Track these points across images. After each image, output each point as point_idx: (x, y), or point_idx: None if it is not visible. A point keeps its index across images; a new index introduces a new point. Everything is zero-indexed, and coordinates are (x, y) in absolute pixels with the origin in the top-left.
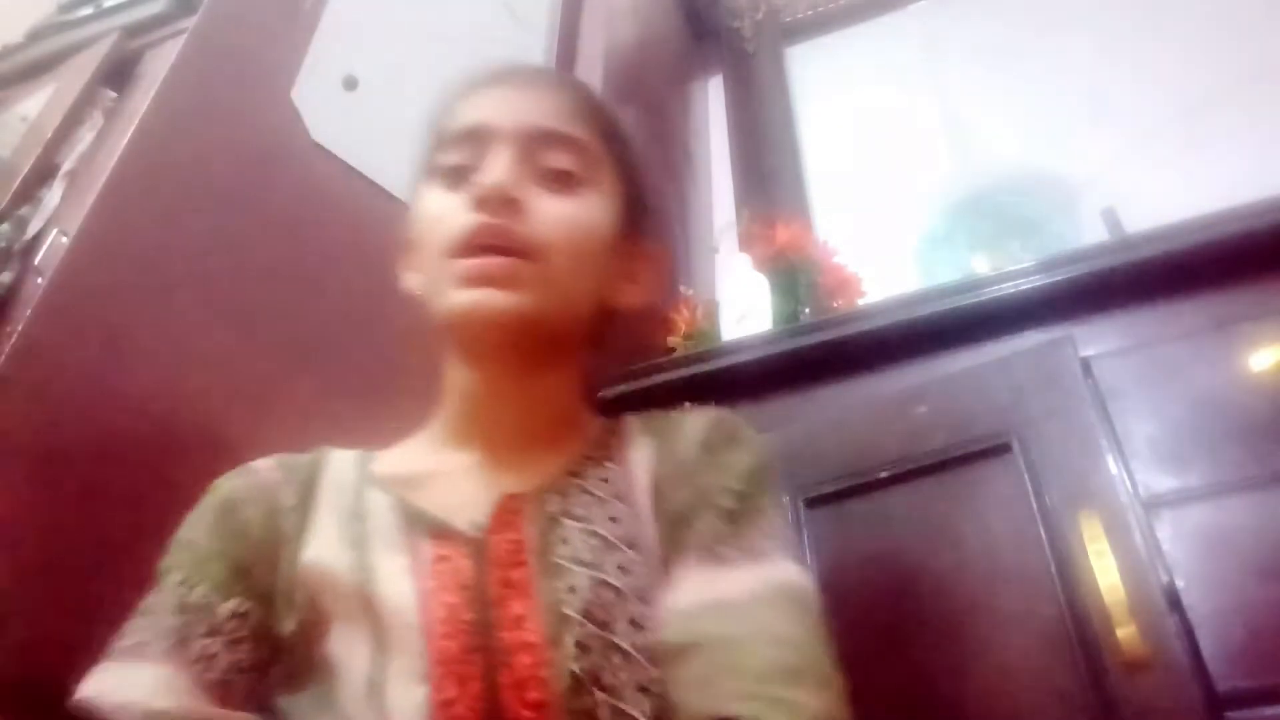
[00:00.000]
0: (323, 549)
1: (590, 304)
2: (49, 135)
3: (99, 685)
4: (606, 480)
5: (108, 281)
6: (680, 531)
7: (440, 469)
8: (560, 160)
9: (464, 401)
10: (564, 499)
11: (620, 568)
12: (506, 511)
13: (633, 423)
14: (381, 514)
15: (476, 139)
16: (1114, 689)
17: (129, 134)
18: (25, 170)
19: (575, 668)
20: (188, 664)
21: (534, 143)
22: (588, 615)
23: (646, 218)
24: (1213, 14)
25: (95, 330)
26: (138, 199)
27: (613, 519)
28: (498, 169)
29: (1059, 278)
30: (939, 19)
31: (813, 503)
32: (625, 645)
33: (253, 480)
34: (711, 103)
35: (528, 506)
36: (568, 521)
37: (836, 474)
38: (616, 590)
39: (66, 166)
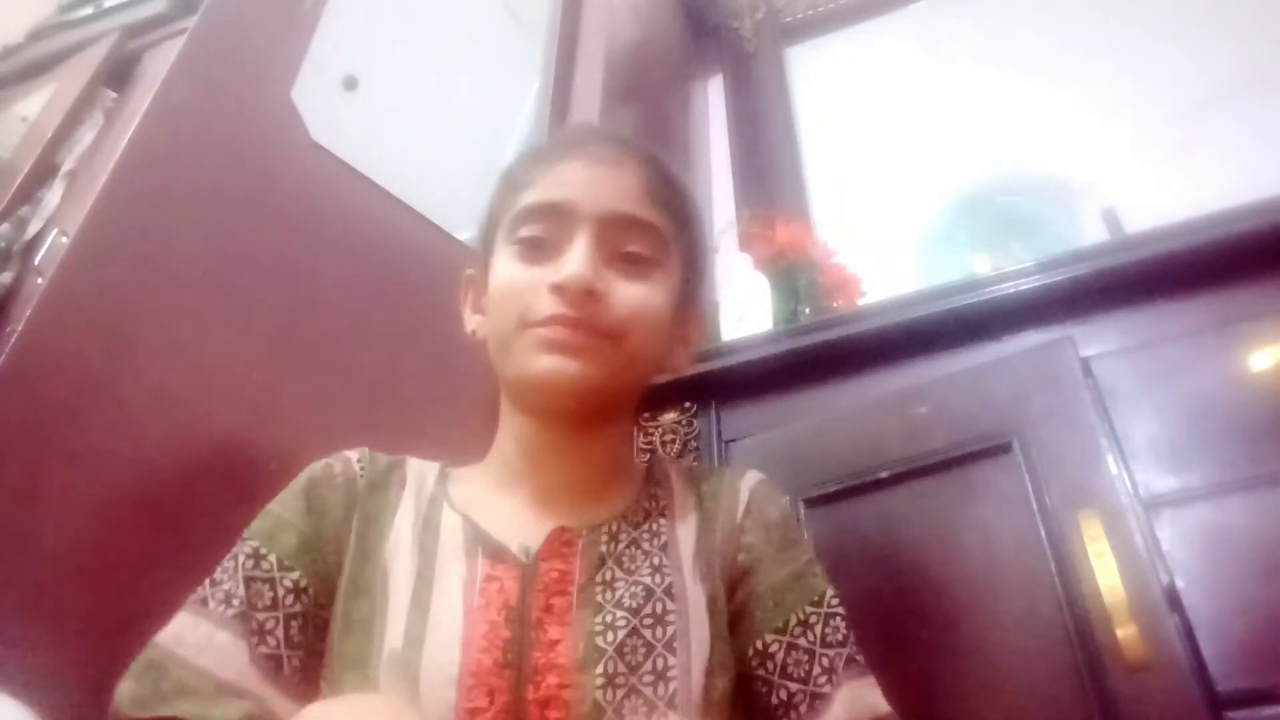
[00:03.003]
0: (400, 544)
1: (653, 371)
2: (49, 135)
3: (179, 636)
4: (656, 535)
5: (108, 281)
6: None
7: (501, 500)
8: (636, 245)
9: (522, 448)
10: (614, 543)
11: (656, 617)
12: (558, 542)
13: (673, 476)
14: (451, 530)
15: (558, 216)
16: (1114, 689)
17: (129, 134)
18: (25, 170)
19: (599, 695)
20: (247, 635)
21: (613, 227)
22: (619, 652)
23: (702, 284)
24: (1212, 14)
25: (95, 330)
26: (138, 199)
27: (656, 569)
28: (579, 260)
29: (1059, 278)
30: (939, 19)
31: (813, 502)
32: (649, 694)
33: (339, 468)
34: (711, 102)
35: (579, 541)
36: (615, 568)
37: (836, 474)
38: (648, 644)
39: (66, 166)
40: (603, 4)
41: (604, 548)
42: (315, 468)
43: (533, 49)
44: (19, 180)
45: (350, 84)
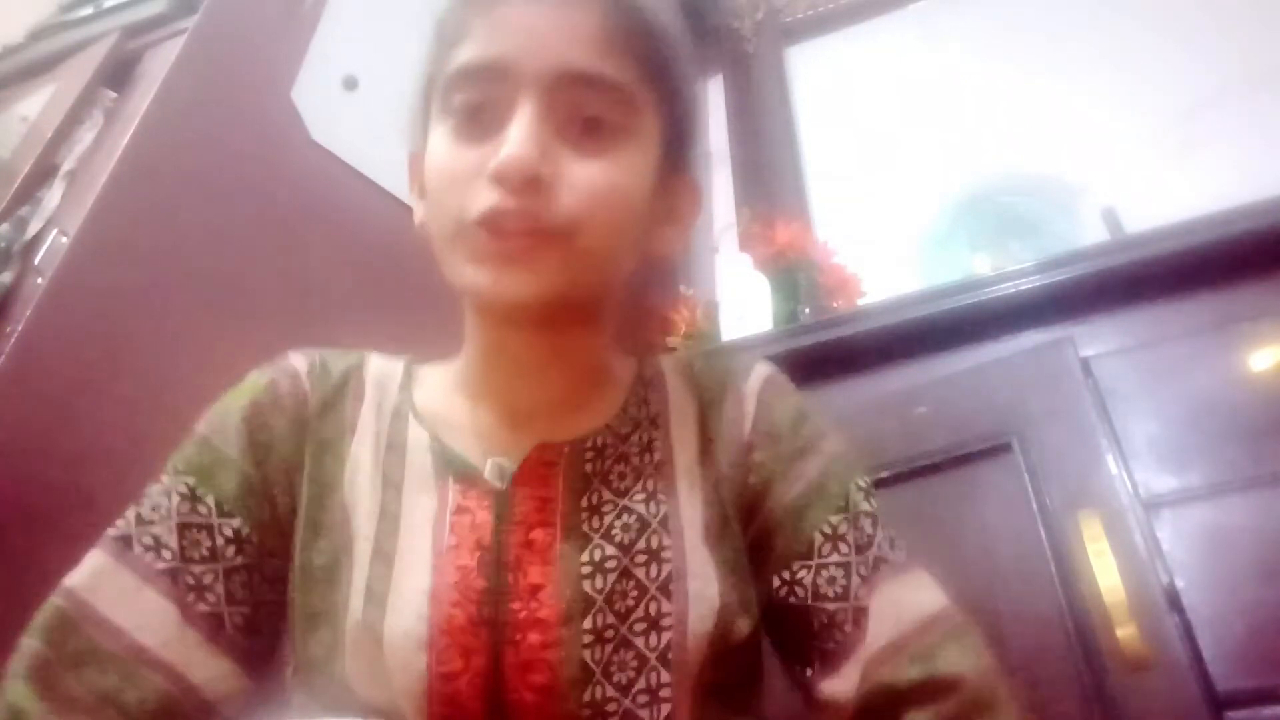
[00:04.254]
0: (358, 474)
1: (628, 264)
2: (49, 135)
3: (93, 584)
4: (648, 449)
5: (108, 281)
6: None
7: (471, 415)
8: (596, 108)
9: (488, 358)
10: (600, 459)
11: (651, 553)
12: (538, 464)
13: (670, 376)
14: (418, 451)
15: (495, 78)
16: (1114, 689)
17: (129, 134)
18: (25, 170)
19: (587, 655)
20: (179, 593)
21: (564, 88)
22: (609, 601)
23: (691, 146)
24: (1212, 14)
25: (95, 330)
26: (138, 199)
27: (651, 495)
28: (518, 139)
29: (1059, 278)
30: (939, 19)
31: None
32: (640, 645)
33: (286, 386)
34: (711, 102)
35: (562, 460)
36: (602, 488)
37: None
38: (640, 585)
39: (66, 166)
40: None
41: (589, 465)
42: (257, 386)
43: None
44: (19, 180)
45: (350, 84)
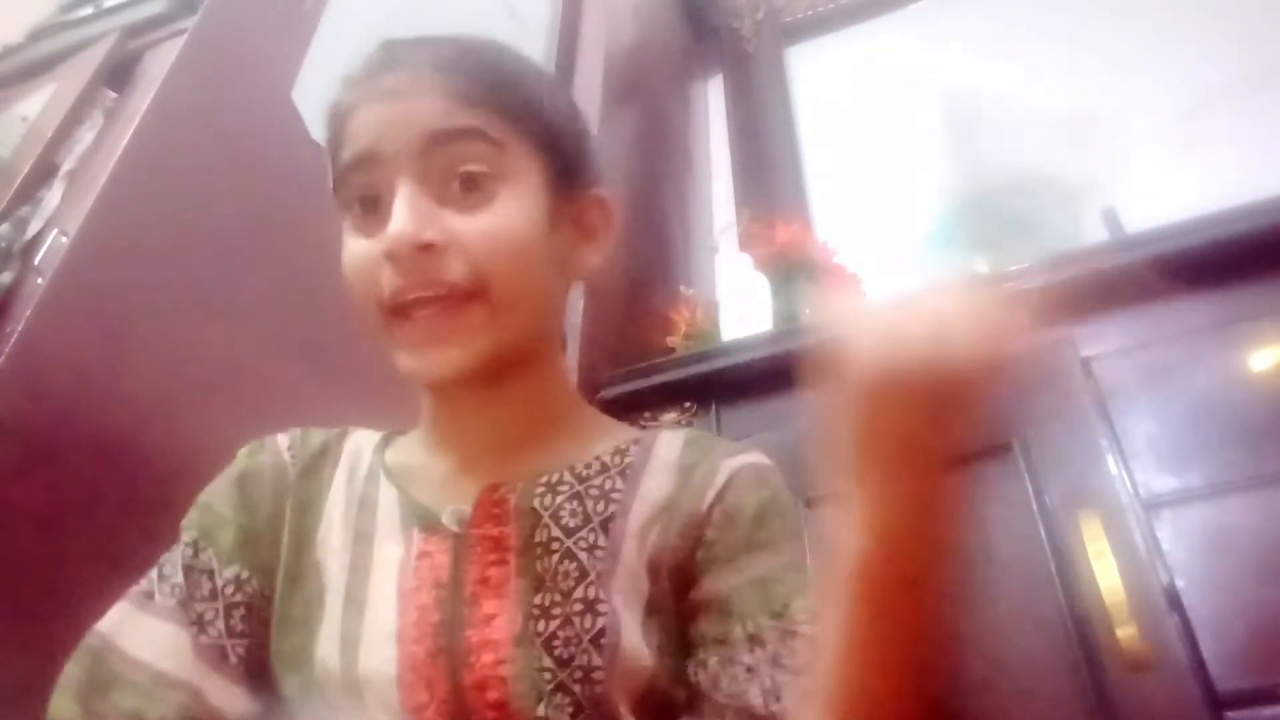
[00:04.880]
0: (330, 532)
1: (552, 300)
2: (49, 135)
3: (118, 627)
4: (606, 497)
5: (108, 281)
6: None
7: (434, 467)
8: (464, 160)
9: (439, 412)
10: (552, 494)
11: (587, 604)
12: (488, 503)
13: (663, 438)
14: (388, 506)
15: (370, 169)
16: (1114, 689)
17: (129, 134)
18: (25, 170)
19: (539, 676)
20: (188, 624)
21: (430, 153)
22: (548, 645)
23: (584, 164)
24: (1213, 14)
25: (95, 330)
26: (138, 199)
27: (592, 546)
28: (399, 215)
29: (1059, 278)
30: (939, 18)
31: (813, 503)
32: (577, 692)
33: (268, 459)
34: (711, 103)
35: (511, 497)
36: (552, 526)
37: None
38: (577, 635)
39: (66, 166)
40: (603, 4)
41: (538, 500)
42: (247, 462)
43: (533, 49)
44: (19, 180)
45: None
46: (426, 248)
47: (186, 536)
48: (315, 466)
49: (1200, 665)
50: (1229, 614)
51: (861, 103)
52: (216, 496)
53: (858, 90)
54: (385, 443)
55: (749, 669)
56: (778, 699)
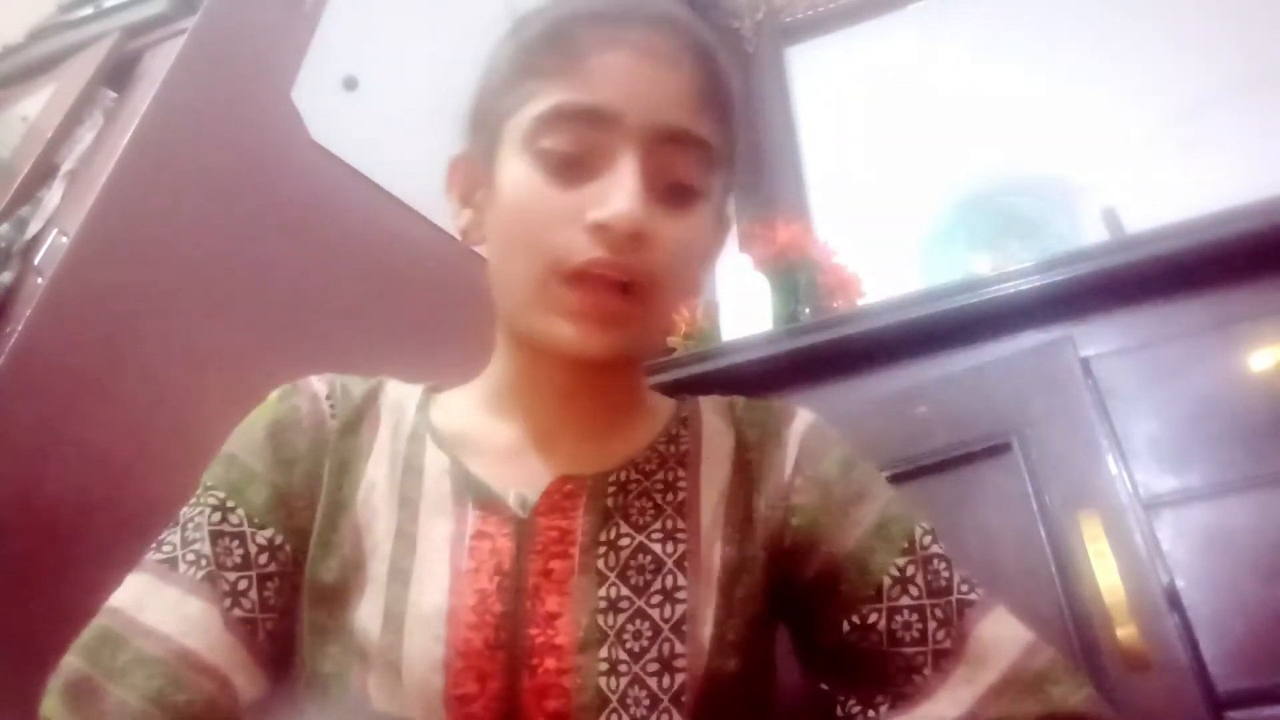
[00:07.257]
0: (373, 495)
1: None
2: (49, 135)
3: (134, 599)
4: (672, 487)
5: (108, 281)
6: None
7: (495, 435)
8: (684, 169)
9: (522, 382)
10: (623, 494)
11: (665, 593)
12: (559, 494)
13: (706, 415)
14: (436, 475)
15: (595, 125)
16: (1114, 689)
17: (129, 134)
18: (25, 170)
19: (603, 683)
20: (218, 598)
21: (660, 145)
22: (619, 638)
23: (732, 189)
24: (1211, 15)
25: (95, 330)
26: (138, 199)
27: (669, 534)
28: (630, 192)
29: (1059, 278)
30: (938, 19)
31: None
32: (653, 685)
33: (305, 405)
34: None
35: (583, 493)
36: (623, 524)
37: None
38: (655, 626)
39: (66, 166)
40: None
41: (610, 500)
42: (280, 408)
43: None
44: (19, 180)
45: (350, 84)
46: (638, 235)
47: (212, 495)
48: (355, 422)
49: (1200, 665)
50: (1229, 614)
51: (861, 103)
52: (246, 448)
53: (857, 91)
54: (426, 400)
55: (914, 609)
56: (952, 623)
